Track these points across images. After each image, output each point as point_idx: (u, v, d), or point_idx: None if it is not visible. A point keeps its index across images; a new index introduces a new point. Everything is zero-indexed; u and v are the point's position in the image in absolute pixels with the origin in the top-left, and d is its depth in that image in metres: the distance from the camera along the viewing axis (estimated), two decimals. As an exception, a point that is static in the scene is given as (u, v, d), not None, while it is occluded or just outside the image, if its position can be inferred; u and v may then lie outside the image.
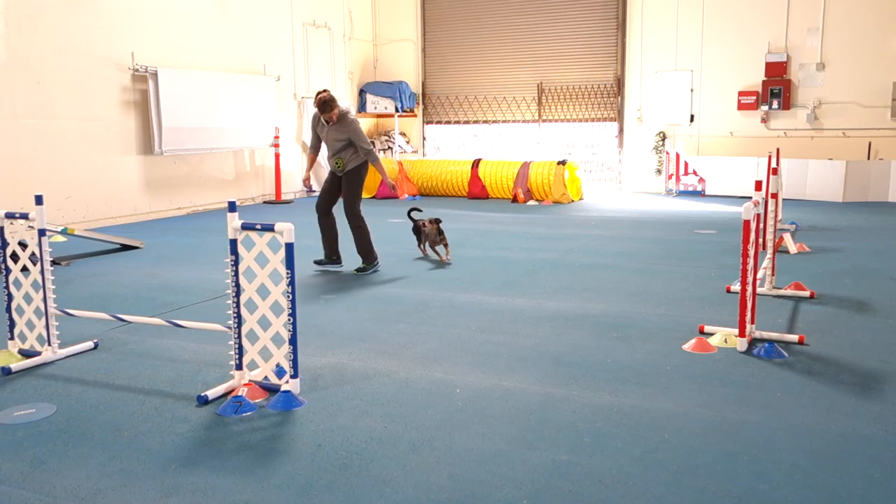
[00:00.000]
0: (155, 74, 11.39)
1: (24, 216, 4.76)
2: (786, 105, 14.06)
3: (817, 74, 13.94)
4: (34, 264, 4.78)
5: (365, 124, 17.15)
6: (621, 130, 15.60)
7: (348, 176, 7.40)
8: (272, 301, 4.08)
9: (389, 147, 16.94)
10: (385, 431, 3.65)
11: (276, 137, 13.94)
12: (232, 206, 4.07)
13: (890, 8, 13.36)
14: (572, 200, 13.92)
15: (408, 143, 17.26)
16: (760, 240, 5.70)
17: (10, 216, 4.82)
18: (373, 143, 16.77)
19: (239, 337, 4.17)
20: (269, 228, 3.96)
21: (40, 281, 4.77)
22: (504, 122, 16.58)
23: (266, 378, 4.22)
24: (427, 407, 3.96)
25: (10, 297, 4.89)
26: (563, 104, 15.99)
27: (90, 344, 5.04)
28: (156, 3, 11.75)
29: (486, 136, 16.92)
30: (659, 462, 3.30)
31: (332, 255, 7.59)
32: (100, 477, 3.23)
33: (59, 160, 10.42)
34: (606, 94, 15.61)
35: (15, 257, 4.87)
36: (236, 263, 4.09)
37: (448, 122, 17.07)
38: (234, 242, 4.09)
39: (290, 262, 3.94)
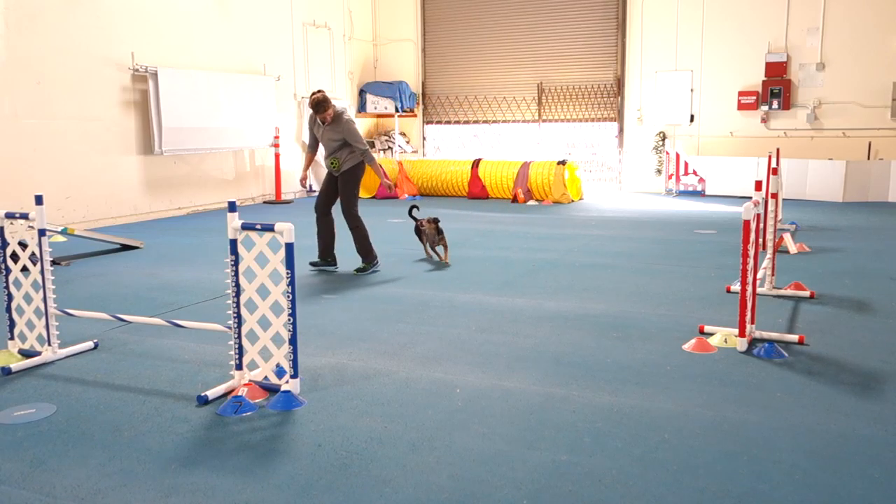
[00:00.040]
0: (155, 74, 11.39)
1: (24, 216, 4.76)
2: (786, 105, 14.07)
3: (817, 74, 13.94)
4: (34, 264, 4.78)
5: (365, 124, 17.16)
6: (621, 130, 15.60)
7: (344, 176, 7.40)
8: (272, 301, 4.08)
9: (389, 147, 16.94)
10: (385, 431, 3.65)
11: (276, 137, 13.95)
12: (232, 206, 4.08)
13: (890, 8, 13.36)
14: (572, 200, 13.92)
15: (408, 143, 17.26)
16: (760, 240, 5.70)
17: (10, 216, 4.82)
18: (372, 143, 16.81)
19: (239, 337, 4.17)
20: (269, 228, 3.96)
21: (40, 281, 4.77)
22: (504, 122, 16.58)
23: (266, 378, 4.22)
24: (427, 407, 3.96)
25: (10, 297, 4.89)
26: (563, 104, 15.99)
27: (90, 344, 5.04)
28: (156, 3, 11.75)
29: (486, 136, 16.92)
30: (659, 462, 3.30)
31: (327, 257, 7.59)
32: (100, 477, 3.23)
33: (59, 160, 10.42)
34: (606, 94, 15.61)
35: (15, 257, 4.87)
36: (236, 263, 4.09)
37: (448, 122, 17.07)
38: (234, 242, 4.09)
39: (290, 262, 3.94)
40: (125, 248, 8.91)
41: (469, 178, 14.47)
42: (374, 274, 7.41)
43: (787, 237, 8.47)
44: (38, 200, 4.72)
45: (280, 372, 4.23)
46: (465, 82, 16.73)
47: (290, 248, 3.93)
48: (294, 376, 4.10)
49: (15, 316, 4.88)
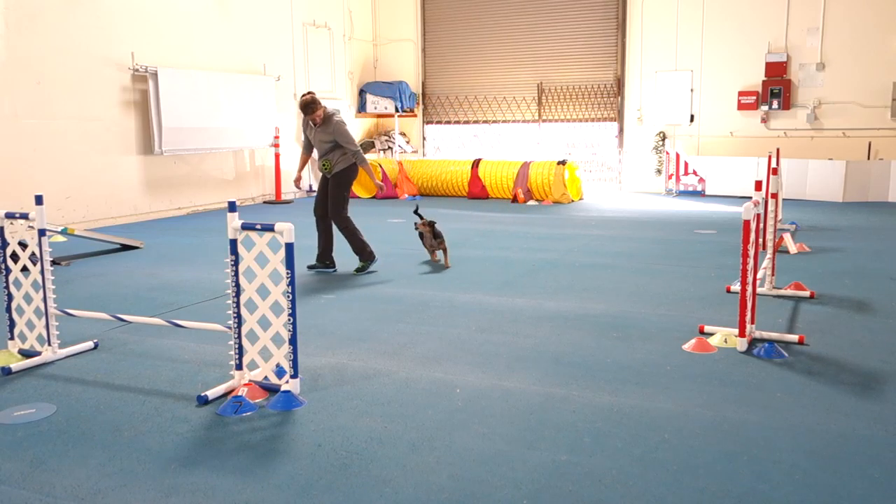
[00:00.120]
0: (155, 74, 11.39)
1: (24, 216, 4.76)
2: (786, 105, 14.06)
3: (817, 74, 13.94)
4: (34, 264, 4.78)
5: (365, 124, 17.16)
6: (621, 130, 15.60)
7: (336, 178, 7.40)
8: (272, 301, 4.08)
9: (389, 147, 16.94)
10: (385, 431, 3.65)
11: (276, 137, 13.95)
12: (232, 206, 4.08)
13: (890, 8, 13.36)
14: (572, 200, 13.92)
15: (408, 143, 17.26)
16: (760, 240, 5.70)
17: (10, 216, 4.82)
18: (372, 143, 16.81)
19: (239, 337, 4.17)
20: (269, 228, 3.96)
21: (40, 281, 4.77)
22: (504, 122, 16.58)
23: (266, 378, 4.22)
24: (427, 407, 3.96)
25: (10, 297, 4.89)
26: (563, 104, 15.99)
27: (90, 344, 5.04)
28: (156, 3, 11.75)
29: (486, 136, 16.92)
30: (659, 462, 3.30)
31: (325, 260, 7.59)
32: (100, 477, 3.23)
33: (59, 160, 10.42)
34: (606, 94, 15.61)
35: (15, 257, 4.87)
36: (236, 263, 4.09)
37: (448, 122, 17.07)
38: (234, 242, 4.09)
39: (290, 262, 3.94)
40: (125, 248, 8.91)
41: (469, 178, 14.47)
42: (375, 274, 7.41)
43: (787, 237, 8.47)
44: (38, 200, 4.72)
45: (280, 372, 4.23)
46: (465, 82, 16.73)
47: (290, 248, 3.93)
48: (294, 376, 4.10)
49: (15, 316, 4.88)
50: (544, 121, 16.18)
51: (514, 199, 13.83)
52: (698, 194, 14.47)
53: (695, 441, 3.50)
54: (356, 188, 13.25)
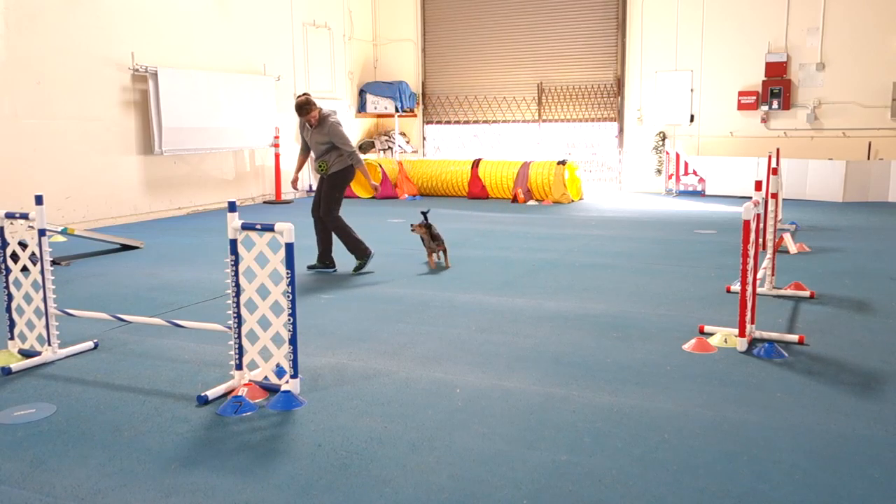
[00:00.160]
0: (155, 74, 11.39)
1: (24, 216, 4.76)
2: (786, 105, 14.06)
3: (817, 74, 13.94)
4: (34, 264, 4.78)
5: (365, 124, 17.16)
6: (621, 130, 15.60)
7: (331, 179, 7.41)
8: (272, 301, 4.08)
9: (389, 147, 16.94)
10: (385, 431, 3.65)
11: (276, 137, 13.95)
12: (232, 206, 4.08)
13: (890, 8, 13.36)
14: (572, 200, 13.92)
15: (408, 143, 17.26)
16: (760, 240, 5.70)
17: (10, 216, 4.82)
18: (372, 143, 16.81)
19: (239, 337, 4.17)
20: (269, 228, 3.96)
21: (40, 281, 4.77)
22: (504, 122, 16.58)
23: (266, 378, 4.22)
24: (427, 407, 3.96)
25: (10, 297, 4.89)
26: (563, 104, 15.99)
27: (90, 344, 5.04)
28: (156, 3, 11.75)
29: (486, 136, 16.92)
30: (659, 462, 3.30)
31: (325, 260, 7.59)
32: (100, 477, 3.23)
33: (59, 160, 10.42)
34: (606, 94, 15.61)
35: (15, 257, 4.87)
36: (236, 263, 4.09)
37: (448, 122, 17.07)
38: (234, 242, 4.09)
39: (290, 262, 3.94)
40: (125, 248, 8.91)
41: (469, 178, 14.47)
42: (375, 274, 7.40)
43: (787, 237, 8.47)
44: (38, 200, 4.72)
45: (280, 372, 4.23)
46: (465, 82, 16.73)
47: (290, 248, 3.93)
48: (294, 376, 4.10)
49: (15, 316, 4.88)
50: (544, 121, 16.18)
51: (514, 199, 13.83)
52: (698, 194, 14.47)
53: (695, 441, 3.50)
54: (355, 188, 13.24)
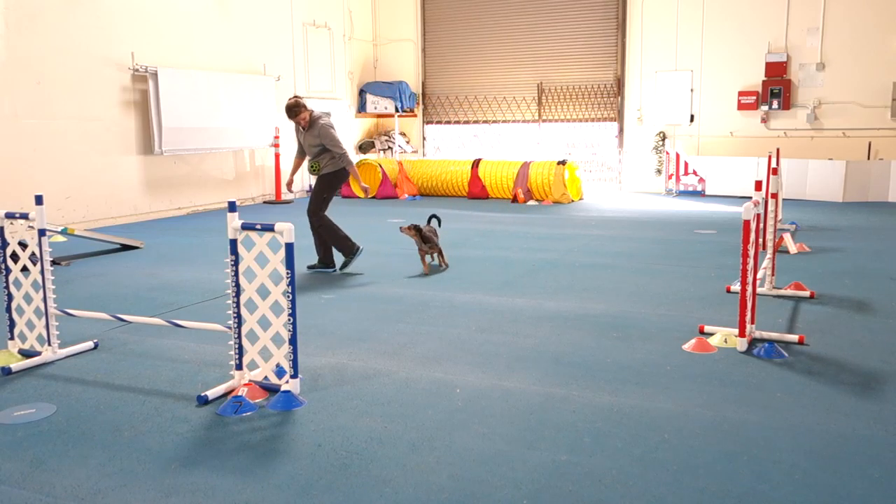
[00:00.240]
0: (155, 74, 11.39)
1: (24, 216, 4.76)
2: (786, 105, 14.06)
3: (817, 74, 13.94)
4: (34, 264, 4.78)
5: (365, 124, 17.16)
6: (621, 130, 15.60)
7: (321, 180, 7.46)
8: (272, 301, 4.08)
9: (389, 147, 16.94)
10: (385, 431, 3.65)
11: (276, 137, 13.95)
12: (232, 206, 4.08)
13: (890, 8, 13.36)
14: (572, 200, 13.92)
15: (408, 143, 17.26)
16: (760, 240, 5.70)
17: (10, 216, 4.82)
18: (372, 143, 16.81)
19: (239, 337, 4.17)
20: (269, 228, 3.96)
21: (40, 281, 4.77)
22: (504, 122, 16.57)
23: (266, 378, 4.22)
24: (427, 407, 3.96)
25: (10, 297, 4.89)
26: (563, 104, 15.99)
27: (90, 344, 5.04)
28: (156, 3, 11.75)
29: (486, 136, 16.92)
30: (659, 462, 3.30)
31: (325, 261, 7.59)
32: (100, 477, 3.23)
33: (59, 160, 10.42)
34: (606, 94, 15.61)
35: (15, 257, 4.87)
36: (236, 263, 4.09)
37: (448, 122, 17.07)
38: (234, 242, 4.09)
39: (290, 262, 3.94)
40: (125, 248, 8.91)
41: (469, 178, 14.46)
42: (374, 274, 7.40)
43: (787, 237, 8.47)
44: (38, 200, 4.72)
45: (280, 372, 4.23)
46: (465, 82, 16.72)
47: (289, 248, 3.93)
48: (294, 376, 4.10)
49: (15, 316, 4.88)
50: (544, 121, 16.18)
51: (514, 199, 13.83)
52: (698, 194, 14.47)
53: (695, 441, 3.50)
54: (354, 188, 13.22)
